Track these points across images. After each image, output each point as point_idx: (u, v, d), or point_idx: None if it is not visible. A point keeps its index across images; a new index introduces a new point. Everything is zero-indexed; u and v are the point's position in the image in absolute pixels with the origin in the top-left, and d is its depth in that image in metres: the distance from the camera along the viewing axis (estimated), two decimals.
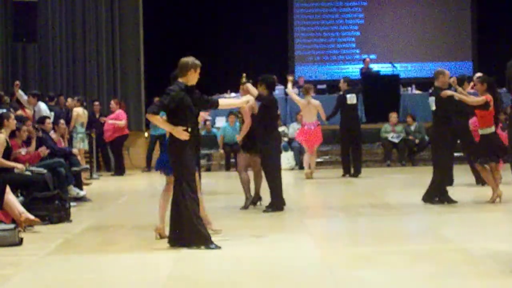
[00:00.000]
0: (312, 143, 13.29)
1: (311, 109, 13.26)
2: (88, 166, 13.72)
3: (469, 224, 7.91)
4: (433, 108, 9.25)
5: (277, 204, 9.04)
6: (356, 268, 5.78)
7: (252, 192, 9.35)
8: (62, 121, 12.19)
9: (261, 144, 9.10)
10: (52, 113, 13.19)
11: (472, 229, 7.54)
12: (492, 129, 9.13)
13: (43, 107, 13.14)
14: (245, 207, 9.21)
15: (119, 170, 15.49)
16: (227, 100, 6.96)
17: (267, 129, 9.04)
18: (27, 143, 9.79)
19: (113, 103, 15.70)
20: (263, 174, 9.19)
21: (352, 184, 12.35)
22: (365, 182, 12.67)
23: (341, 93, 13.79)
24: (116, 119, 15.40)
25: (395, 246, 6.60)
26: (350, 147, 13.54)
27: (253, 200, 9.34)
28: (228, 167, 15.85)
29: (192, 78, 6.82)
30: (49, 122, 11.28)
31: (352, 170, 13.43)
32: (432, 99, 9.26)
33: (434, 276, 5.37)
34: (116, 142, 15.53)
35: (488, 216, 8.39)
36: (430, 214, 8.65)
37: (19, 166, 8.83)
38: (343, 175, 13.43)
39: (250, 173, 9.33)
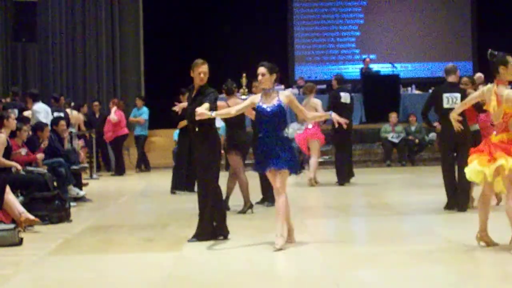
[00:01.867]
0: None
1: (309, 109, 13.04)
2: (87, 165, 13.73)
3: (469, 224, 7.89)
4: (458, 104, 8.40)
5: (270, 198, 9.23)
6: (356, 268, 5.78)
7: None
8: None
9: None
10: (62, 114, 13.23)
11: (472, 229, 7.52)
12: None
13: (42, 106, 13.12)
14: (243, 211, 9.05)
15: (119, 170, 15.49)
16: (222, 111, 7.16)
17: None
18: (27, 143, 9.79)
19: (111, 104, 15.71)
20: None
21: (352, 184, 12.33)
22: (365, 182, 12.65)
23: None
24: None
25: (395, 246, 6.60)
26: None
27: (244, 209, 9.12)
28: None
29: (195, 79, 7.03)
30: (63, 123, 11.28)
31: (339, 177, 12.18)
32: (454, 95, 8.71)
33: (434, 276, 5.37)
34: (116, 142, 15.54)
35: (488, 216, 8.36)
36: (430, 214, 8.64)
37: (18, 167, 8.83)
38: (342, 184, 12.07)
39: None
